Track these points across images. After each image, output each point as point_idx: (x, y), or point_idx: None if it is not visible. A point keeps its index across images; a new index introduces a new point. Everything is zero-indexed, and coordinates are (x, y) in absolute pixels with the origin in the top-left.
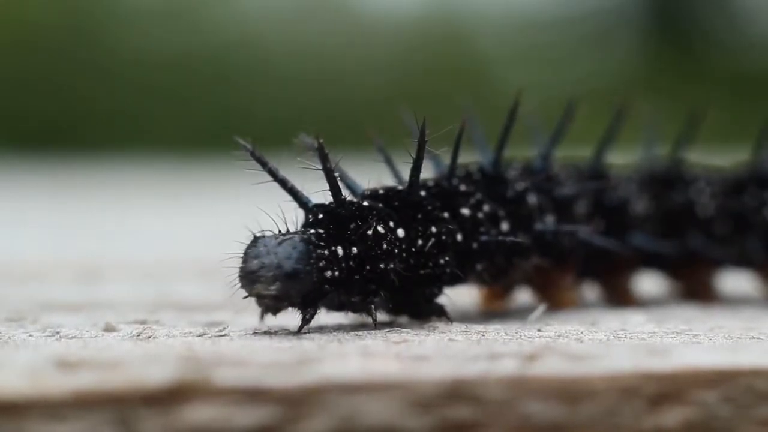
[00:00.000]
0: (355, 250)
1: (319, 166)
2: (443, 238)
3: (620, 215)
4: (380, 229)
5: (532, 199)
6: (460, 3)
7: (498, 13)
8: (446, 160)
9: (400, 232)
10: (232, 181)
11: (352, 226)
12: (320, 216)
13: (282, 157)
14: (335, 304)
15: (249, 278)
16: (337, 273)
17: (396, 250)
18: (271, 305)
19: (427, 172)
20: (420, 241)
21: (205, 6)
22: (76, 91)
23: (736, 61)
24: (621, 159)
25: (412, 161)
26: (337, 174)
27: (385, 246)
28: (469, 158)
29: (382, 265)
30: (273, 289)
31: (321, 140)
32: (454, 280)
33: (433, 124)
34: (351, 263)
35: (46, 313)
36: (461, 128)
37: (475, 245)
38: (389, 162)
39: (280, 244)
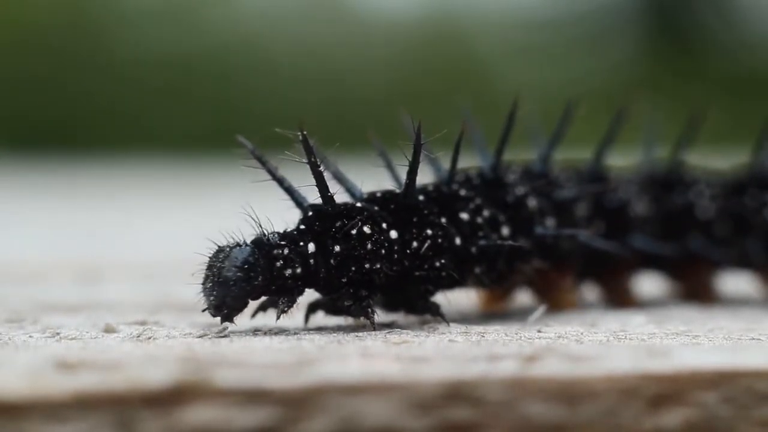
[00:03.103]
0: (337, 248)
1: (305, 160)
2: (440, 241)
3: (621, 217)
4: (366, 229)
5: (531, 202)
6: (460, 3)
7: (497, 12)
8: (445, 162)
9: (393, 234)
10: (233, 180)
11: (337, 224)
12: (309, 214)
13: (281, 156)
14: (333, 308)
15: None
16: (299, 270)
17: (383, 251)
18: (217, 314)
19: (428, 176)
20: (415, 243)
21: (205, 6)
22: (76, 90)
23: (735, 61)
24: (620, 160)
25: (408, 164)
26: (330, 171)
27: (370, 246)
28: (469, 159)
29: (367, 266)
30: (212, 300)
31: (305, 132)
32: (453, 282)
33: (432, 124)
34: (331, 261)
35: (46, 313)
36: (460, 134)
37: (473, 249)
38: (390, 166)
39: (219, 254)
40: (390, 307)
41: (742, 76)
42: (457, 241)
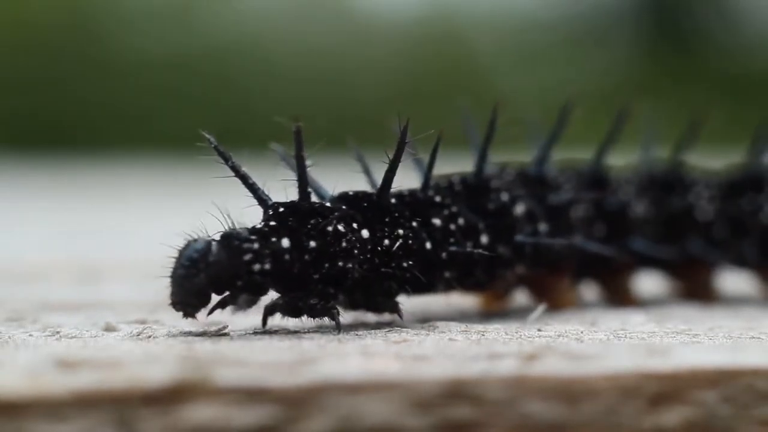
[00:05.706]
0: (312, 244)
1: (294, 154)
2: (409, 242)
3: (619, 219)
4: (340, 227)
5: (518, 208)
6: (460, 3)
7: (497, 13)
8: (443, 164)
9: (365, 233)
10: (232, 180)
11: (312, 222)
12: (280, 210)
13: (281, 156)
14: (291, 309)
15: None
16: (269, 266)
17: (356, 251)
18: (178, 310)
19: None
20: (386, 242)
21: (205, 6)
22: (76, 91)
23: (733, 62)
24: (619, 161)
25: (388, 162)
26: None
27: (344, 244)
28: (469, 158)
29: (341, 264)
30: (172, 296)
31: (300, 124)
32: (419, 285)
33: (430, 125)
34: (305, 257)
35: (46, 313)
36: (437, 140)
37: (444, 255)
38: (367, 171)
39: (183, 249)
40: (351, 306)
41: (741, 77)
42: (427, 245)
